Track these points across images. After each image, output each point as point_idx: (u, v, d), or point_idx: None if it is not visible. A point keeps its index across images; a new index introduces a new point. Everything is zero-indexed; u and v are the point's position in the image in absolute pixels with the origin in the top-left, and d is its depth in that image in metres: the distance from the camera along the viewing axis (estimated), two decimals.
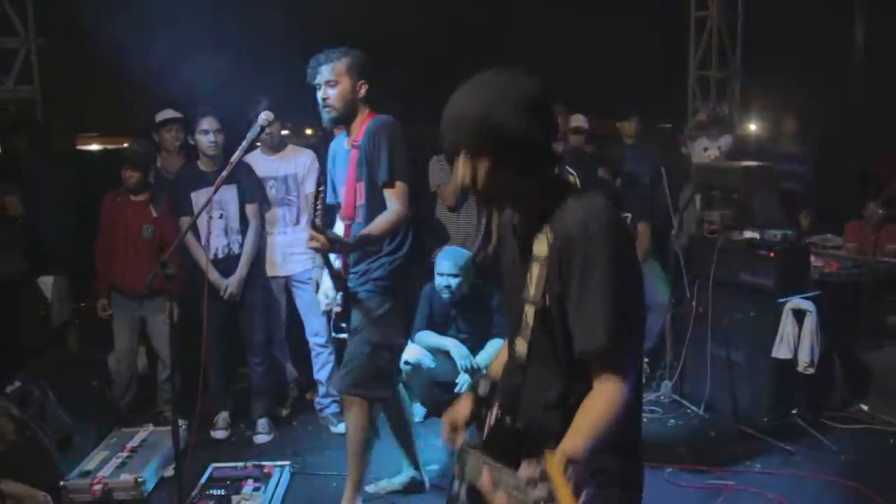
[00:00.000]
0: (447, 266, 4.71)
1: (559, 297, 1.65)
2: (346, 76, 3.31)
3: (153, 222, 4.68)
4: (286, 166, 4.80)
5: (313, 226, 3.00)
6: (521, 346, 1.74)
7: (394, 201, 3.29)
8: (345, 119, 3.38)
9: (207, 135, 4.49)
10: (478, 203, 5.38)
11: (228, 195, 4.53)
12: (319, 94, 3.33)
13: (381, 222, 3.27)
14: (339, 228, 3.48)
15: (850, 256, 5.86)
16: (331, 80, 3.30)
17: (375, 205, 3.33)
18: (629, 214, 5.35)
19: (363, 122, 3.37)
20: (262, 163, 4.75)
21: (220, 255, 4.59)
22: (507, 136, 1.62)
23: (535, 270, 1.68)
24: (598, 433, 1.58)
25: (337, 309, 3.46)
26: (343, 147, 3.49)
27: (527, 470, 1.42)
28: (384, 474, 4.00)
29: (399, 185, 3.30)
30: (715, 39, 7.81)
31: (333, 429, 4.77)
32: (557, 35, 7.65)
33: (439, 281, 4.72)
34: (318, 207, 3.06)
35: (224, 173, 3.16)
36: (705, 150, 7.31)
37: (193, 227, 4.46)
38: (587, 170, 5.35)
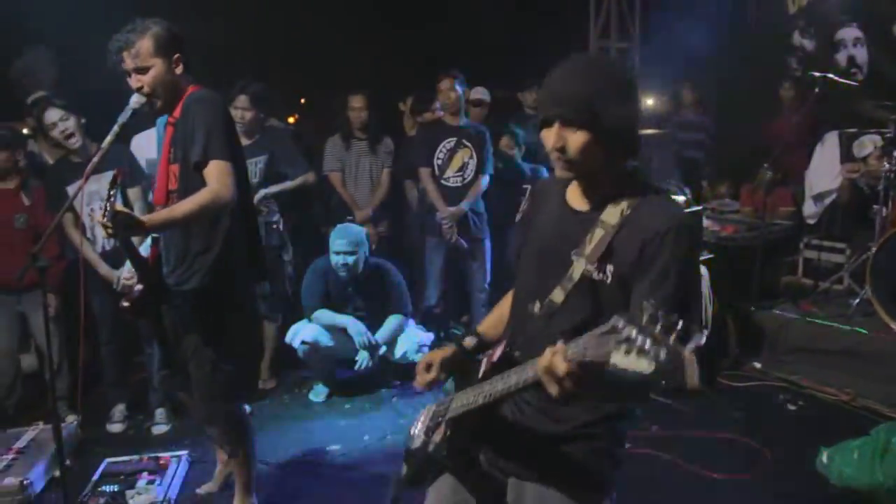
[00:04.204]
0: (342, 244, 4.64)
1: (627, 276, 1.74)
2: (156, 57, 2.91)
3: (25, 211, 4.42)
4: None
5: (107, 209, 2.64)
6: (558, 295, 1.81)
7: (210, 181, 2.87)
8: (171, 102, 2.99)
9: (56, 127, 4.16)
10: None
11: (104, 184, 4.05)
12: (132, 82, 2.93)
13: (188, 202, 2.83)
14: None
15: (745, 220, 6.04)
16: (140, 67, 2.90)
17: (192, 191, 2.89)
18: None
19: (182, 99, 2.99)
20: None
21: (108, 248, 4.33)
22: (609, 117, 1.72)
23: (599, 234, 1.77)
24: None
25: (125, 304, 3.05)
26: (161, 125, 3.13)
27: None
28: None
29: (215, 163, 2.87)
30: (614, 10, 7.87)
31: None
32: (457, 4, 7.53)
33: (336, 259, 4.65)
34: (112, 192, 2.73)
35: (94, 160, 2.87)
36: None
37: (78, 221, 4.27)
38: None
